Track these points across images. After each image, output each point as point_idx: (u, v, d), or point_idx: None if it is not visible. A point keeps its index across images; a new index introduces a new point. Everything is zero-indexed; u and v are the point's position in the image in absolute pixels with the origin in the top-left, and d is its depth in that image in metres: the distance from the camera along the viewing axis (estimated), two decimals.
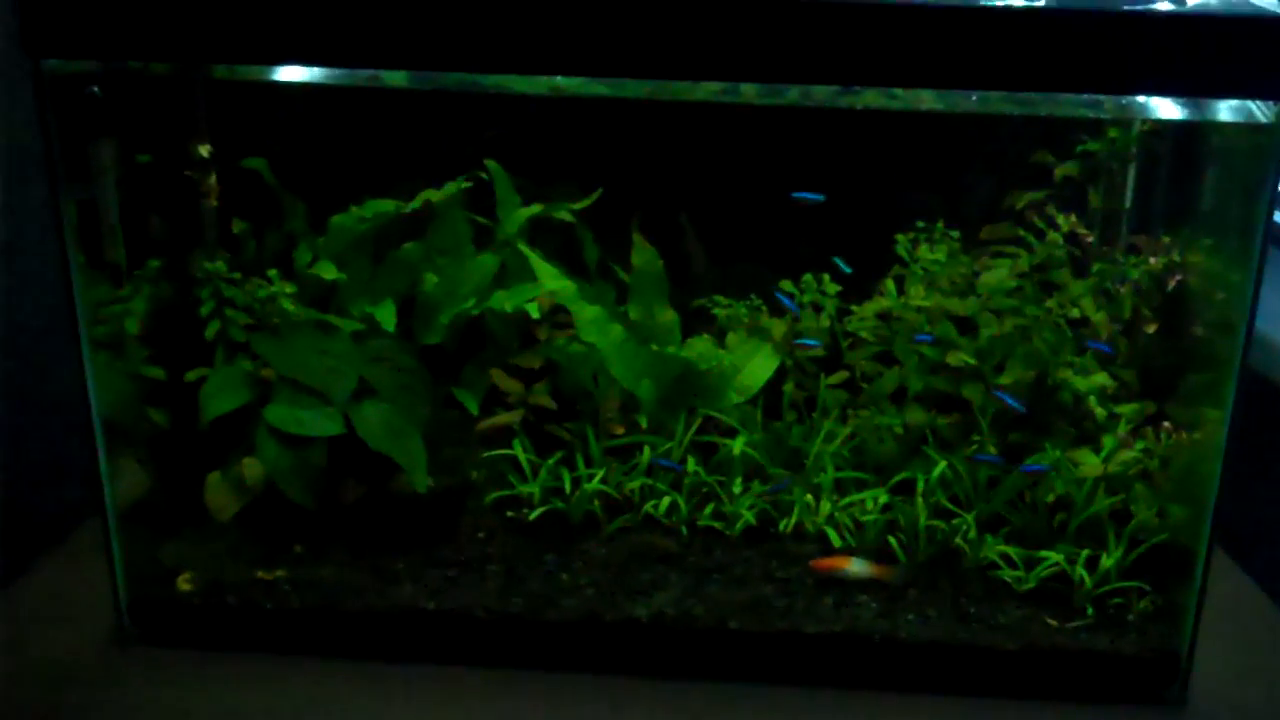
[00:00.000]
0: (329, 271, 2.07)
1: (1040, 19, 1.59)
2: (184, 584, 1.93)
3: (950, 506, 2.00)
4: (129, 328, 1.95)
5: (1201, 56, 1.58)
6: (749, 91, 1.82)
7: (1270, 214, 1.66)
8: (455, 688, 1.82)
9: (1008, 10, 1.60)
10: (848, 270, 2.13)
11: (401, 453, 1.96)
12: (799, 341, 2.14)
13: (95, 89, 1.81)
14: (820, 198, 2.01)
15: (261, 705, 1.77)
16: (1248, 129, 1.70)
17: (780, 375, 2.18)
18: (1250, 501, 2.32)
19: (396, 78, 1.86)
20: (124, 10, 1.64)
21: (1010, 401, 1.99)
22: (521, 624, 1.88)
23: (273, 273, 2.03)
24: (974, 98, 1.75)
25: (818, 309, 2.18)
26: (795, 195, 2.02)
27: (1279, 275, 2.34)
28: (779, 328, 2.19)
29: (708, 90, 1.80)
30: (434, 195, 2.13)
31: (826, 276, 2.16)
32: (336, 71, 1.80)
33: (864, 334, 2.16)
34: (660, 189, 2.27)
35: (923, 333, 2.08)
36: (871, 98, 1.80)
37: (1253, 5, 1.63)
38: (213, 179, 2.10)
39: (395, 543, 2.00)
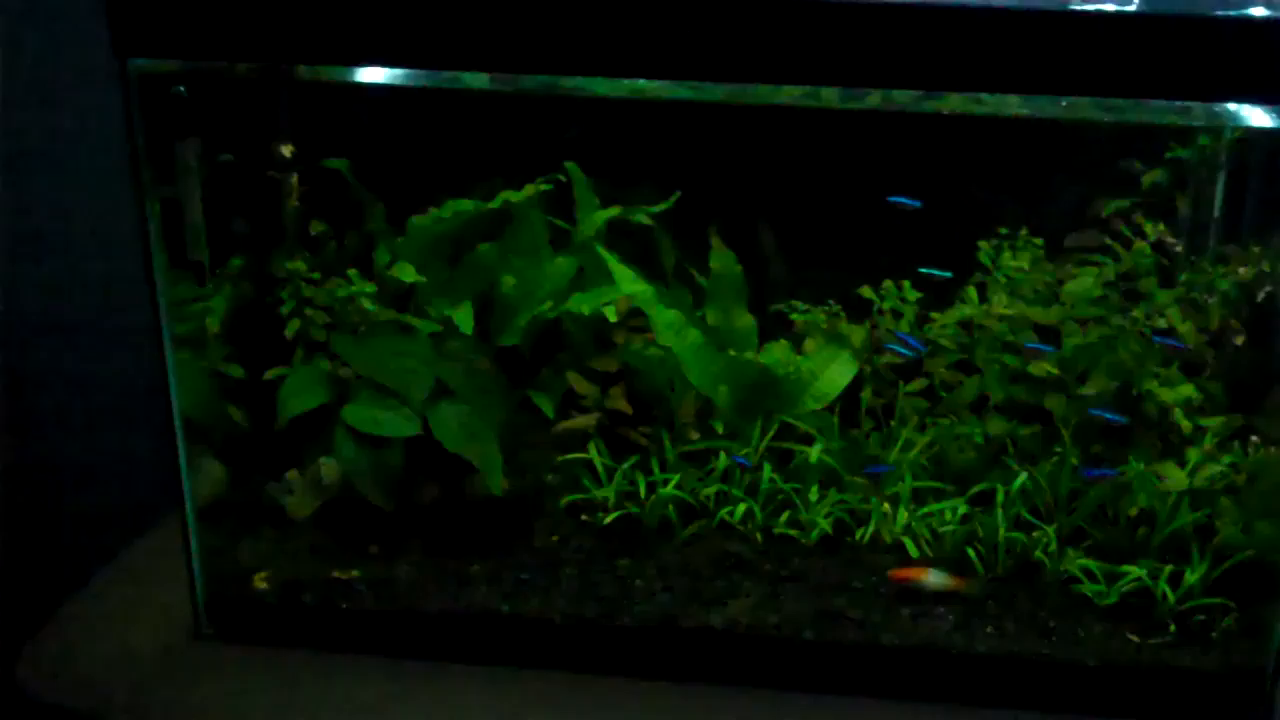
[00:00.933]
0: (408, 273, 2.08)
1: (1132, 23, 1.56)
2: (260, 582, 1.94)
3: (1030, 519, 1.97)
4: (210, 326, 1.97)
5: None
6: (830, 96, 1.80)
7: None
8: (528, 691, 1.81)
9: (1099, 15, 1.57)
10: (948, 275, 2.09)
11: (478, 454, 1.96)
12: (901, 336, 2.10)
13: (181, 88, 1.83)
14: (917, 204, 1.99)
15: (335, 704, 1.78)
16: None
17: (858, 382, 2.16)
18: None
19: (477, 80, 1.86)
20: (210, 11, 1.65)
21: (1109, 416, 1.95)
22: (595, 629, 1.87)
23: (352, 272, 2.04)
24: (1064, 103, 1.72)
25: (898, 316, 2.15)
26: (892, 200, 1.99)
27: None
28: (857, 334, 2.16)
29: (788, 94, 1.78)
30: (513, 197, 2.13)
31: (907, 283, 2.14)
32: (418, 73, 1.80)
33: (944, 341, 2.13)
34: (739, 193, 2.26)
35: (1032, 342, 2.04)
36: (956, 102, 1.78)
37: None
38: (295, 179, 2.11)
39: (470, 545, 2.00)
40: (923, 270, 2.10)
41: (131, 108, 1.72)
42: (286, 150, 2.10)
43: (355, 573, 1.95)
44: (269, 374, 2.02)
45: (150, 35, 1.68)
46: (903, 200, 2.00)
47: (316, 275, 2.03)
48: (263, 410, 2.02)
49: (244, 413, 2.05)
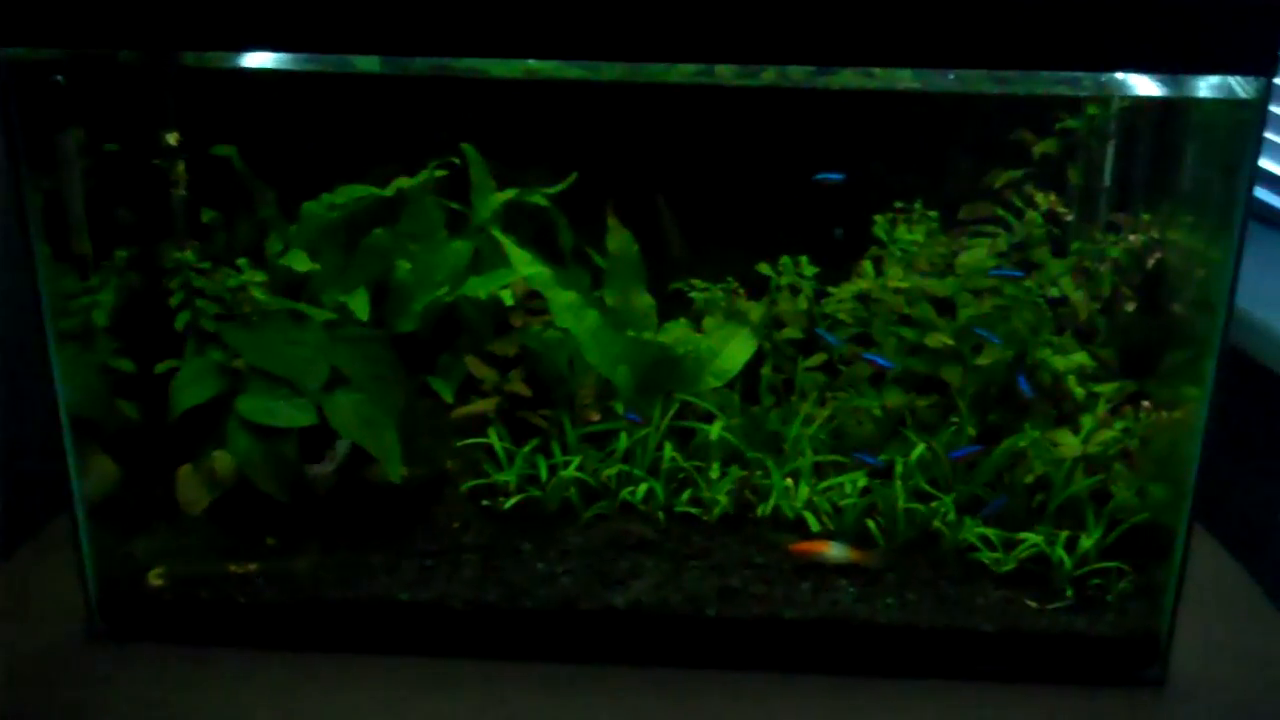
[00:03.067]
0: (301, 262, 2.05)
1: None
2: (155, 579, 1.91)
3: (929, 489, 1.99)
4: (97, 320, 1.93)
5: (1182, 32, 1.56)
6: (725, 73, 1.80)
7: (1250, 190, 1.65)
8: (431, 679, 1.80)
9: None
10: (837, 234, 2.09)
11: (375, 442, 1.94)
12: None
13: (59, 78, 1.79)
14: (840, 176, 1.99)
15: (235, 699, 1.76)
16: (1228, 105, 1.68)
17: (758, 358, 2.16)
18: (1233, 478, 2.31)
19: (368, 63, 1.84)
20: None
21: (1023, 385, 1.96)
22: (498, 614, 1.86)
23: (242, 262, 2.00)
24: (951, 76, 1.73)
25: (795, 292, 2.16)
26: (818, 177, 2.00)
27: (1260, 251, 2.33)
28: (756, 310, 2.16)
29: (683, 72, 1.78)
30: (406, 182, 2.11)
31: (804, 259, 2.14)
32: (307, 57, 1.78)
33: (842, 316, 2.14)
34: (636, 172, 2.25)
35: (927, 315, 2.05)
36: (848, 78, 1.78)
37: None
38: (181, 168, 2.07)
39: (369, 533, 1.98)
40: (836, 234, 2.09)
41: (6, 98, 1.68)
42: (172, 138, 2.06)
43: (253, 566, 1.92)
44: (160, 367, 1.98)
45: (24, 22, 1.64)
46: (828, 176, 2.01)
47: (206, 265, 2.00)
48: (156, 404, 1.98)
49: (136, 407, 2.01)
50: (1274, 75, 1.55)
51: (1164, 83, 1.78)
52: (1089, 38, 1.57)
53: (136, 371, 1.99)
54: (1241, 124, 1.63)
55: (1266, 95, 1.58)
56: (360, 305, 2.05)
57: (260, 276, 2.01)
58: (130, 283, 2.00)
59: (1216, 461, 1.75)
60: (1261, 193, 2.43)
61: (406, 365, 2.07)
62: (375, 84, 2.07)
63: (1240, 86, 1.62)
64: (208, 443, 1.97)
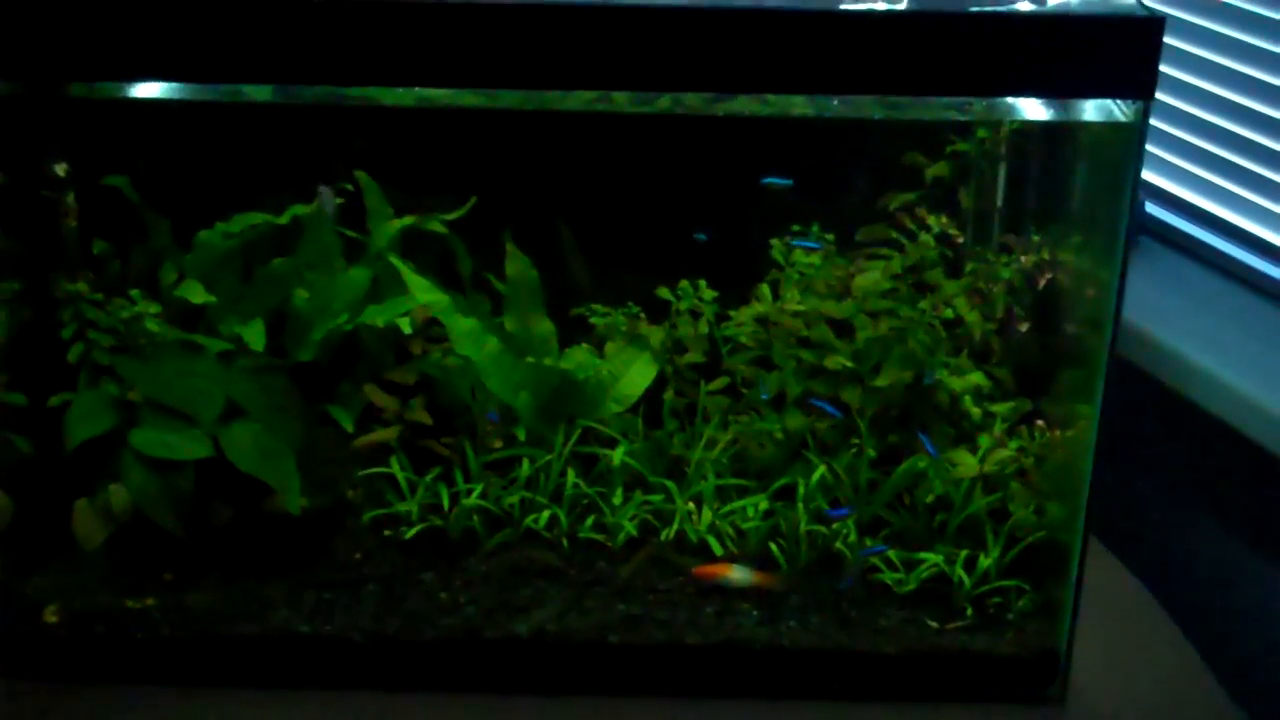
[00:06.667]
0: (196, 292, 2.02)
1: (903, 23, 1.60)
2: (50, 615, 1.87)
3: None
4: None
5: (1062, 57, 1.59)
6: (621, 100, 1.80)
7: (1133, 210, 1.68)
8: (332, 712, 1.79)
9: (871, 15, 1.60)
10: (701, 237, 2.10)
11: (273, 473, 1.92)
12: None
13: None
14: (788, 182, 2.02)
15: None
16: (1110, 127, 1.72)
17: (661, 383, 2.16)
18: (1131, 493, 2.35)
19: (261, 92, 1.83)
20: None
21: (924, 441, 1.97)
22: (399, 645, 1.85)
23: (135, 293, 1.98)
24: (835, 102, 1.75)
25: (696, 315, 2.17)
26: (766, 181, 2.04)
27: (1154, 266, 2.38)
28: (656, 335, 2.17)
29: (580, 99, 1.78)
30: (302, 209, 2.10)
31: (703, 282, 2.15)
32: (199, 86, 1.76)
33: (743, 339, 2.15)
34: (536, 198, 2.25)
35: (825, 337, 2.07)
36: (743, 104, 1.80)
37: (1111, 4, 1.64)
38: (70, 198, 2.04)
39: (268, 566, 1.95)
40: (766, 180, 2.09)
41: None
42: (60, 169, 2.03)
43: (150, 601, 1.89)
44: (53, 400, 1.95)
45: None
46: (774, 180, 2.03)
47: (99, 296, 1.97)
48: (51, 438, 1.95)
49: (30, 442, 1.97)
50: (1151, 98, 1.58)
51: (1049, 106, 1.81)
52: (975, 63, 1.59)
53: (29, 405, 1.96)
54: (1123, 145, 1.67)
55: (1145, 117, 1.61)
56: (256, 335, 2.02)
57: (154, 308, 1.98)
58: (21, 315, 1.97)
59: (1113, 477, 1.78)
60: (1156, 209, 2.48)
61: (305, 395, 2.05)
62: (269, 113, 2.06)
63: (1120, 110, 1.66)
64: (103, 476, 1.94)
